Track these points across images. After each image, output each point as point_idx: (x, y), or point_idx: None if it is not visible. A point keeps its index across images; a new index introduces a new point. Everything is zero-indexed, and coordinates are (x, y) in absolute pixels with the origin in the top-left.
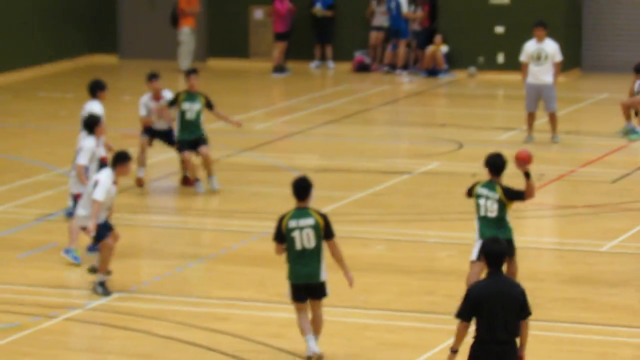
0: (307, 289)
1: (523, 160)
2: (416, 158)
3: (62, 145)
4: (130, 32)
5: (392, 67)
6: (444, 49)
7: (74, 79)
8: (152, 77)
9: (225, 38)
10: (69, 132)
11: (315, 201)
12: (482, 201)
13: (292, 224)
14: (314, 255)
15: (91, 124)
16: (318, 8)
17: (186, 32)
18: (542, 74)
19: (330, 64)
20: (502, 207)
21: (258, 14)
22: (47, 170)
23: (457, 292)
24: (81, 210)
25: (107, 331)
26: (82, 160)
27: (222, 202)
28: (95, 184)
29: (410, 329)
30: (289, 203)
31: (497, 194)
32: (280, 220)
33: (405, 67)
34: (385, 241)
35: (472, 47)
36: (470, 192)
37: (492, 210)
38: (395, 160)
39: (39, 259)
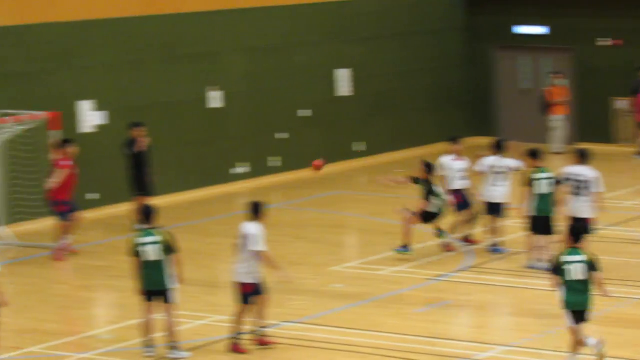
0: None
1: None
2: None
3: None
4: (505, 116)
5: None
6: None
7: None
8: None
9: (591, 124)
10: None
11: None
12: None
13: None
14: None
15: None
16: None
17: (557, 119)
18: None
19: None
20: None
21: (621, 104)
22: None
23: None
24: None
25: None
26: None
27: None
28: None
29: None
30: None
31: None
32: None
33: None
34: None
35: None
36: None
37: None
38: None
39: (435, 314)
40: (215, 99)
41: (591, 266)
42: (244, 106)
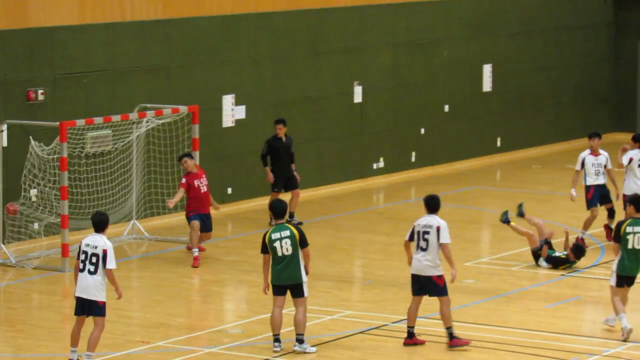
0: None
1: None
2: None
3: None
4: None
5: None
6: None
7: None
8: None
9: None
10: None
11: None
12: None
13: None
14: None
15: None
16: None
17: None
18: None
19: None
20: None
21: None
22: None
23: None
24: None
25: None
26: None
27: None
28: None
29: None
30: None
31: None
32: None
33: None
34: None
35: None
36: None
37: None
38: None
39: (563, 310)
40: (358, 93)
41: None
42: (387, 101)
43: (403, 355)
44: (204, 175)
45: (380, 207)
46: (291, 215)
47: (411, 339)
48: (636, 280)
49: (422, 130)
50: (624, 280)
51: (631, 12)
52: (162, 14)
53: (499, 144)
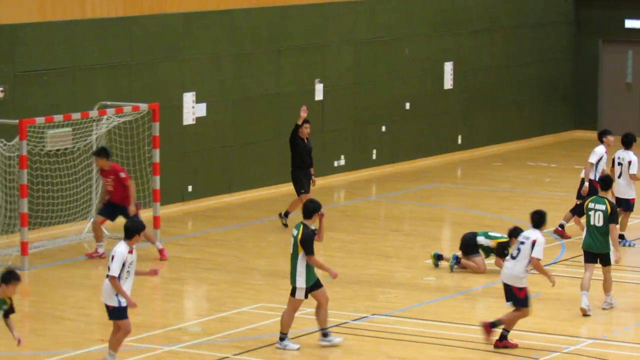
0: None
1: None
2: None
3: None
4: (609, 110)
5: None
6: None
7: (558, 151)
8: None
9: None
10: (552, 197)
11: None
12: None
13: None
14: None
15: None
16: None
17: None
18: None
19: None
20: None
21: None
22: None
23: None
24: None
25: None
26: None
27: None
28: None
29: None
30: None
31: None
32: None
33: None
34: None
35: None
36: None
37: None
38: None
39: None
40: (319, 91)
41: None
42: (348, 99)
43: (364, 352)
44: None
45: (340, 205)
46: (286, 214)
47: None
48: None
49: (383, 128)
50: (588, 257)
51: (592, 10)
52: (122, 11)
53: (459, 141)
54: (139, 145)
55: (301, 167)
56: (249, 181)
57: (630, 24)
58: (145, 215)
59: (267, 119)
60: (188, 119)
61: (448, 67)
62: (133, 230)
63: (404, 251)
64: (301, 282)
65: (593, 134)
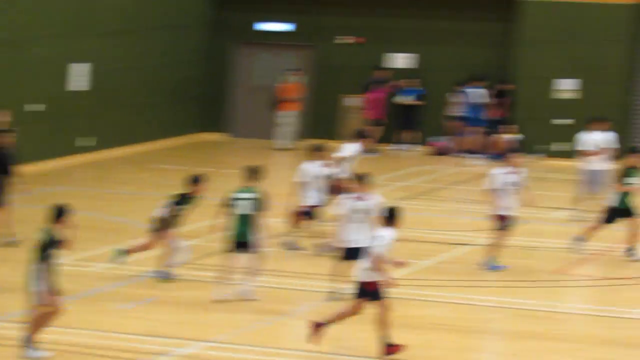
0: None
1: None
2: (478, 231)
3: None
4: (237, 112)
5: (470, 152)
6: (518, 137)
7: (186, 153)
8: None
9: (322, 121)
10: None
11: None
12: None
13: None
14: None
15: None
16: (406, 97)
17: (285, 115)
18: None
19: (413, 147)
20: None
21: (350, 101)
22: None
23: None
24: None
25: None
26: None
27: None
28: None
29: None
30: None
31: None
32: None
33: (479, 152)
34: (445, 304)
35: (540, 135)
36: None
37: None
38: (460, 233)
39: (136, 311)
40: None
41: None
42: None
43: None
44: None
45: None
46: None
47: None
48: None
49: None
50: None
51: (225, 12)
52: None
53: (87, 143)
54: None
55: None
56: None
57: (261, 26)
58: None
59: None
60: None
61: (80, 68)
62: None
63: None
64: None
65: (220, 136)
